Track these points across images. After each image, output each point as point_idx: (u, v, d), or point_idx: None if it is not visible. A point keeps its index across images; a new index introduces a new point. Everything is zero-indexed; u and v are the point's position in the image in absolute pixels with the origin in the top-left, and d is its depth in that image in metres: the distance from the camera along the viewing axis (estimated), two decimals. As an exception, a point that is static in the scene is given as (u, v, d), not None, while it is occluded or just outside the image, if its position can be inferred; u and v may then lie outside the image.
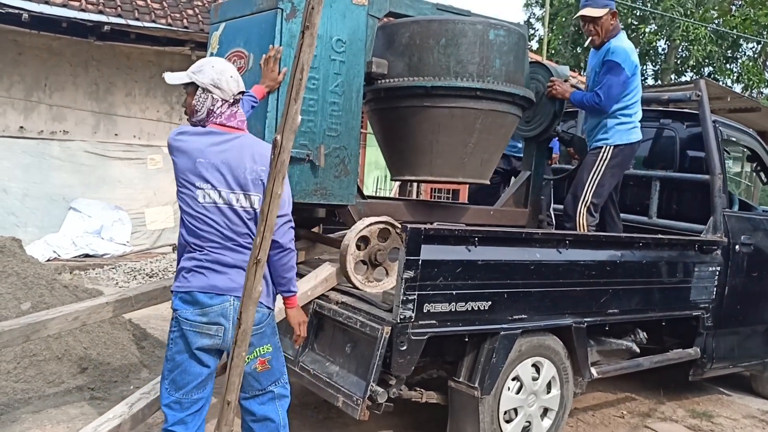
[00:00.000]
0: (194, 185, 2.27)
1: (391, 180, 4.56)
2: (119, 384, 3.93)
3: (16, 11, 6.83)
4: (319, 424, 3.55)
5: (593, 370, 3.47)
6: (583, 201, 3.83)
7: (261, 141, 2.47)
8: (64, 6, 7.47)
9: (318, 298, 3.12)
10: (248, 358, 2.31)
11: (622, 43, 3.80)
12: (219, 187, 2.26)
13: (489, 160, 3.63)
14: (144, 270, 7.18)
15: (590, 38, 3.93)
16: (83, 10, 7.50)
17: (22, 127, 7.83)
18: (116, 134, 8.33)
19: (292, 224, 2.37)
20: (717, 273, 3.97)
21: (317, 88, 3.05)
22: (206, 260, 2.27)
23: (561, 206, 4.46)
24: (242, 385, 2.38)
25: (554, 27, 21.11)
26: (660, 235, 3.85)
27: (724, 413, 4.40)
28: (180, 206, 2.34)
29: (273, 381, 2.44)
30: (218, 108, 2.33)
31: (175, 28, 7.90)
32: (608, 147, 3.84)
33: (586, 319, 3.34)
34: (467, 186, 5.64)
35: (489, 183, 3.93)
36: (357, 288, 3.11)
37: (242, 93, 2.37)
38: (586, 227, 3.82)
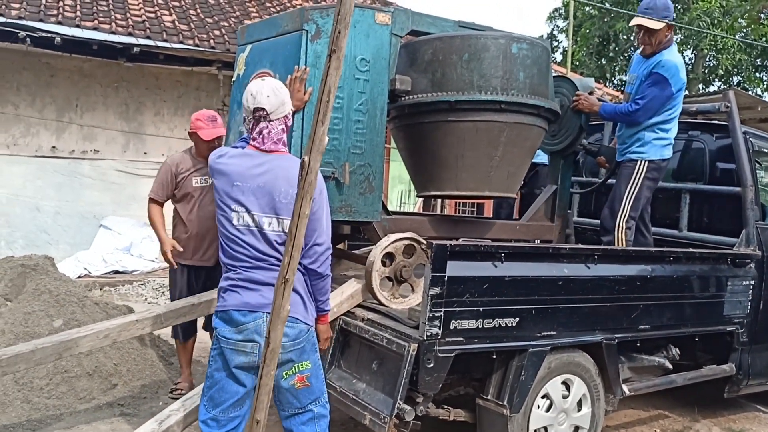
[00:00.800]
0: (230, 208, 2.32)
1: (417, 196, 4.55)
2: (148, 400, 3.97)
3: (49, 35, 7.05)
4: (346, 442, 3.54)
5: (625, 388, 3.40)
6: (622, 215, 3.78)
7: (297, 163, 2.49)
8: (95, 29, 7.68)
9: (344, 314, 3.12)
10: (286, 374, 2.34)
11: (673, 57, 3.74)
12: (253, 211, 2.30)
13: (515, 173, 3.61)
14: (172, 286, 7.26)
15: (642, 47, 3.86)
16: (113, 33, 7.70)
17: (54, 147, 8.03)
18: (145, 153, 8.49)
19: (331, 251, 2.42)
20: (751, 287, 3.88)
21: (342, 107, 3.07)
22: (239, 279, 2.32)
23: (583, 219, 4.41)
24: (281, 402, 2.41)
25: (578, 39, 21.00)
26: (691, 249, 3.78)
27: (762, 431, 4.27)
28: (218, 228, 2.39)
29: (312, 400, 2.43)
30: (247, 127, 2.40)
31: (203, 49, 8.05)
32: (644, 161, 3.78)
33: (616, 335, 3.29)
34: (492, 200, 5.61)
35: (515, 197, 3.91)
36: (383, 304, 3.10)
37: (261, 110, 2.33)
38: (625, 241, 3.76)
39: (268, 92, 2.33)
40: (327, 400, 2.51)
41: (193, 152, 3.95)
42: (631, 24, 3.99)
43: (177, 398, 3.38)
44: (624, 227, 3.76)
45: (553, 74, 3.80)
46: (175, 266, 3.86)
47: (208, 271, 3.91)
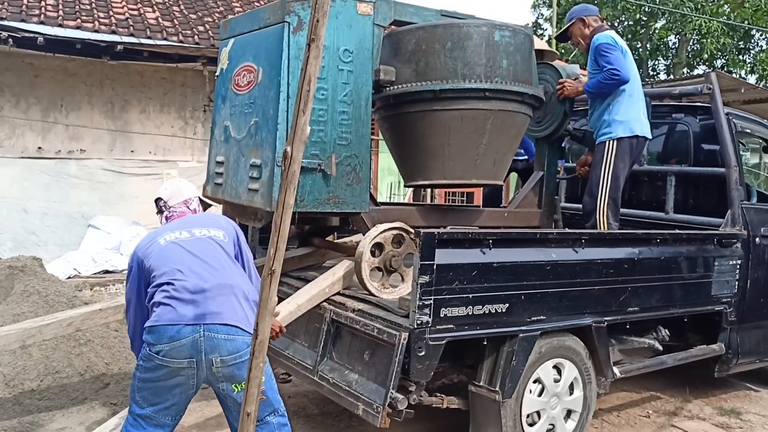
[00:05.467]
0: (157, 244, 2.54)
1: (404, 186, 4.56)
2: (142, 398, 3.96)
3: (32, 35, 6.97)
4: (341, 433, 3.56)
5: (616, 370, 3.43)
6: (602, 198, 3.81)
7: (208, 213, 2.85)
8: (78, 28, 7.61)
9: (335, 306, 3.12)
10: (237, 387, 2.31)
11: (605, 32, 3.87)
12: (179, 230, 2.56)
13: (501, 160, 3.61)
14: (163, 284, 7.23)
15: (579, 47, 4.10)
16: (96, 31, 7.63)
17: (40, 148, 7.96)
18: (132, 151, 8.44)
19: None
20: (738, 266, 3.91)
21: (326, 98, 3.07)
22: (173, 290, 2.36)
23: (570, 204, 4.43)
24: (238, 416, 2.37)
25: (563, 27, 20.99)
26: (678, 231, 3.81)
27: (753, 409, 4.32)
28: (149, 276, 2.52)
29: (270, 412, 2.43)
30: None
31: (187, 45, 8.00)
32: (612, 141, 3.83)
33: (606, 318, 3.31)
34: (481, 188, 5.63)
35: (502, 184, 3.93)
36: (373, 295, 3.11)
37: (159, 199, 2.75)
38: (607, 225, 3.79)
39: (166, 185, 2.73)
40: (284, 410, 2.51)
41: None
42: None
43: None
44: (606, 211, 3.79)
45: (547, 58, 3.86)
46: None
47: None
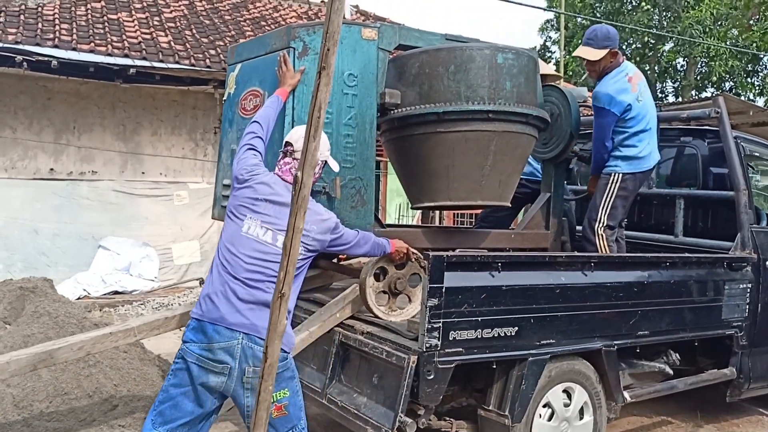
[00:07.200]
0: (244, 216, 2.43)
1: (411, 208, 4.58)
2: (149, 420, 3.95)
3: (46, 59, 7.10)
4: (348, 457, 3.52)
5: (626, 394, 3.40)
6: (599, 224, 3.83)
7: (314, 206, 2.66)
8: (91, 52, 7.73)
9: (343, 328, 3.12)
10: None
11: (604, 87, 3.80)
12: (264, 224, 2.43)
13: (507, 181, 3.61)
14: (172, 305, 7.26)
15: (588, 73, 4.03)
16: (109, 55, 7.75)
17: (52, 169, 8.06)
18: (143, 173, 8.52)
19: (355, 232, 2.77)
20: (748, 290, 3.89)
21: (331, 122, 3.10)
22: (224, 285, 2.35)
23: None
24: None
25: (571, 49, 21.14)
26: (687, 254, 3.79)
27: (766, 435, 4.26)
28: (223, 230, 2.50)
29: (290, 428, 2.44)
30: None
31: (198, 68, 8.11)
32: (617, 174, 3.85)
33: (616, 342, 3.29)
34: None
35: (509, 205, 3.93)
36: (381, 319, 3.10)
37: (288, 144, 2.64)
38: (607, 248, 3.79)
39: (301, 132, 2.53)
40: (305, 426, 2.52)
41: None
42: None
43: None
44: (603, 235, 3.81)
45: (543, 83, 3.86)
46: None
47: None
